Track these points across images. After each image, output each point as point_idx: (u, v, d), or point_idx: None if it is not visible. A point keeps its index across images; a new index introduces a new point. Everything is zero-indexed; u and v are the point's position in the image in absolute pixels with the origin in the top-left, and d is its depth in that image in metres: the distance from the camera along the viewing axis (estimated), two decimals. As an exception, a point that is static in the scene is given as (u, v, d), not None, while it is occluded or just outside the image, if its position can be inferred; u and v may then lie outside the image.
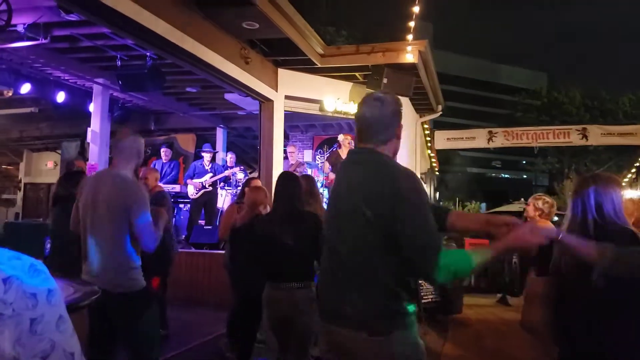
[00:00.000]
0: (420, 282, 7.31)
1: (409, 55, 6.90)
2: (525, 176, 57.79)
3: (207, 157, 9.33)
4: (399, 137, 2.03)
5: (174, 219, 8.87)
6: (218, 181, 9.39)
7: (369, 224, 1.85)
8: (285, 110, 7.68)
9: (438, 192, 12.53)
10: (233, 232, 4.62)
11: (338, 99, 7.95)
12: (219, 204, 9.43)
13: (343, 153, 8.22)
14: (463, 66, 62.32)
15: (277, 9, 5.58)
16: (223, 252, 6.63)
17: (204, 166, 9.25)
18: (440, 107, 9.95)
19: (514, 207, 21.24)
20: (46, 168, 14.31)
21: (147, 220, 2.88)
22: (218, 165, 9.69)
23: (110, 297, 2.76)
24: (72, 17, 5.49)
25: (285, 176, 3.67)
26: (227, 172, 9.42)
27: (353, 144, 8.14)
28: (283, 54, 7.05)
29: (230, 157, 9.88)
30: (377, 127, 1.99)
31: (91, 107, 8.42)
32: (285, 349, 3.45)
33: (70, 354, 0.99)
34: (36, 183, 14.47)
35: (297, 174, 8.33)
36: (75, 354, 1.00)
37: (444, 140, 11.82)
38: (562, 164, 26.15)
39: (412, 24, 6.41)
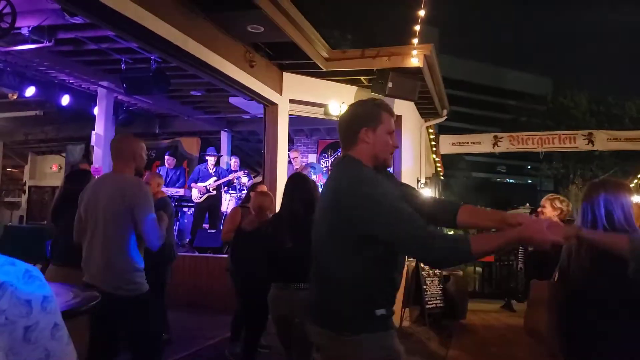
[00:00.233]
0: (424, 287, 7.29)
1: (415, 60, 6.87)
2: (530, 181, 57.67)
3: (211, 160, 9.32)
4: (366, 141, 2.03)
5: (177, 223, 8.86)
6: (222, 185, 9.38)
7: (335, 229, 1.97)
8: (289, 114, 7.66)
9: (443, 197, 12.46)
10: (238, 236, 4.60)
11: (343, 103, 7.93)
12: (223, 208, 9.41)
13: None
14: (468, 71, 62.29)
15: (282, 12, 5.57)
16: (226, 256, 6.62)
17: (208, 170, 9.24)
18: (445, 112, 9.91)
19: (519, 212, 21.20)
20: (51, 171, 14.33)
21: (151, 218, 2.87)
22: (222, 169, 9.68)
23: (114, 301, 2.74)
24: (77, 20, 5.49)
25: (295, 177, 3.64)
26: (231, 176, 9.40)
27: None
28: (288, 58, 7.03)
29: (234, 161, 9.87)
30: (342, 133, 2.12)
31: (95, 111, 8.43)
32: (290, 352, 3.44)
33: (66, 363, 0.96)
34: (41, 186, 14.49)
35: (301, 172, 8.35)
36: (71, 363, 0.97)
37: (449, 144, 11.77)
38: (568, 169, 26.06)
39: (417, 28, 6.38)
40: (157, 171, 9.23)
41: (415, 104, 8.76)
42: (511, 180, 62.94)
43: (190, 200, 9.29)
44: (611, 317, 2.17)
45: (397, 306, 6.54)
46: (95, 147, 8.44)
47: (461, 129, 33.19)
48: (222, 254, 7.39)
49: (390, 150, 2.08)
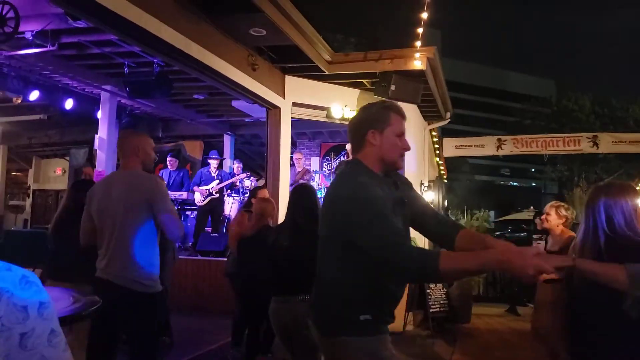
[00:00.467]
0: (428, 291, 7.26)
1: (417, 62, 6.85)
2: (534, 184, 57.45)
3: (213, 164, 9.32)
4: (373, 144, 2.02)
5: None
6: (225, 188, 9.38)
7: (328, 232, 2.03)
8: (292, 118, 7.66)
9: (446, 200, 12.45)
10: (240, 241, 4.62)
11: (345, 106, 7.91)
12: (226, 211, 9.41)
13: (350, 162, 8.17)
14: (471, 73, 62.23)
15: (285, 16, 5.57)
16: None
17: (210, 173, 9.24)
18: (448, 115, 9.88)
19: (523, 215, 21.12)
20: (55, 175, 14.38)
21: (169, 209, 2.87)
22: (225, 172, 9.68)
23: (128, 296, 2.76)
24: (80, 24, 5.51)
25: (299, 189, 3.67)
26: (233, 179, 9.40)
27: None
28: (290, 61, 7.03)
29: (237, 165, 9.87)
30: (350, 136, 2.14)
31: (99, 114, 8.45)
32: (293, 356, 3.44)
33: (62, 369, 0.95)
34: (45, 189, 14.54)
35: (305, 182, 8.34)
36: (68, 369, 0.96)
37: (453, 147, 11.74)
38: (572, 172, 25.93)
39: (420, 30, 6.37)
40: (160, 174, 9.24)
41: (418, 106, 8.73)
42: (515, 183, 62.74)
43: (193, 203, 9.29)
44: (613, 320, 2.15)
45: (401, 310, 6.52)
46: (98, 151, 8.46)
47: (464, 132, 33.14)
48: (225, 258, 7.39)
49: (400, 152, 2.05)
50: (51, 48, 6.10)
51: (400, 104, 8.41)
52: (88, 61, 7.32)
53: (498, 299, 9.67)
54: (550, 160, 23.76)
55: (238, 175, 9.53)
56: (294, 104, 7.61)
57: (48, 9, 5.39)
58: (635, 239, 2.16)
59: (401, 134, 2.06)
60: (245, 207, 5.35)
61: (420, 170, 9.66)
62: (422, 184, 9.84)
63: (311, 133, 11.74)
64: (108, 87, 8.17)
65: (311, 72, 7.26)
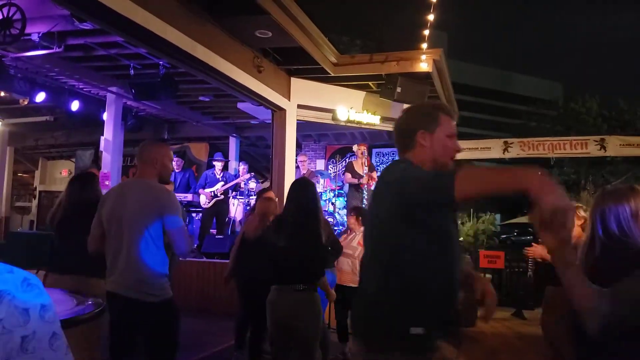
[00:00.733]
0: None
1: (423, 64, 6.84)
2: (540, 187, 57.13)
3: (218, 166, 9.32)
4: (424, 145, 1.96)
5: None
6: (230, 190, 9.37)
7: (377, 229, 1.92)
8: (297, 120, 7.65)
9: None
10: (242, 243, 4.62)
11: (351, 108, 7.91)
12: (231, 214, 9.41)
13: (357, 163, 8.16)
14: (477, 76, 62.07)
15: (290, 17, 5.57)
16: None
17: (215, 175, 9.24)
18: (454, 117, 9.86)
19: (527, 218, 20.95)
20: (61, 176, 14.44)
21: (179, 224, 2.88)
22: (229, 174, 9.68)
23: (140, 307, 2.77)
24: (86, 26, 5.53)
25: (297, 182, 3.74)
26: (237, 180, 9.40)
27: (366, 154, 8.08)
28: (296, 63, 7.03)
29: (242, 167, 9.86)
30: (398, 137, 2.07)
31: (105, 116, 8.47)
32: (285, 357, 3.42)
33: (64, 373, 0.94)
34: (51, 191, 14.59)
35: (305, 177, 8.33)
36: (69, 373, 0.95)
37: (458, 150, 11.69)
38: (579, 175, 25.78)
39: (426, 32, 6.36)
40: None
41: (424, 109, 8.72)
42: (521, 186, 62.41)
43: (198, 205, 9.29)
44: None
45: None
46: (104, 153, 8.47)
47: (471, 135, 33.06)
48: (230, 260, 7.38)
49: (451, 153, 1.99)
50: (57, 50, 6.12)
51: (405, 106, 8.42)
52: (94, 63, 7.35)
53: (504, 302, 9.59)
54: (557, 163, 23.63)
55: (243, 176, 9.52)
56: (300, 106, 7.61)
57: (54, 11, 5.40)
58: (631, 248, 2.08)
59: (451, 135, 1.99)
60: (251, 211, 5.35)
61: (425, 173, 9.63)
62: (427, 186, 9.81)
63: (317, 135, 11.73)
64: (114, 89, 8.18)
65: (317, 74, 7.25)
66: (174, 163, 9.56)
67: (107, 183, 7.72)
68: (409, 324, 1.77)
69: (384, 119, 8.32)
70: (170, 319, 3.00)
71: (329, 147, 12.03)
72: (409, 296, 1.80)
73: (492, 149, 11.37)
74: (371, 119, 8.09)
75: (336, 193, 9.50)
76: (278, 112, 7.37)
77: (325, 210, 7.42)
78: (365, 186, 7.78)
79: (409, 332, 1.76)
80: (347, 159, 11.27)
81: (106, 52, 6.62)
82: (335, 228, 7.66)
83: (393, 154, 11.31)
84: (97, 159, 10.44)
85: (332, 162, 11.89)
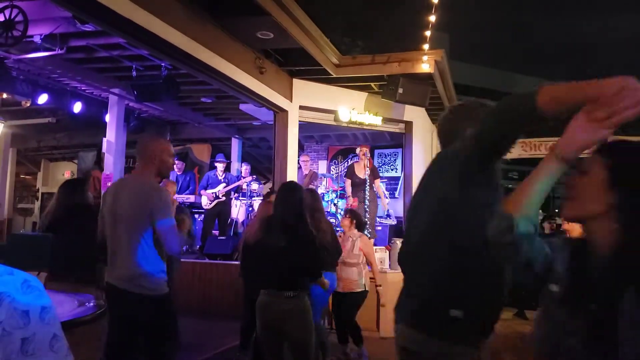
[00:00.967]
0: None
1: (425, 65, 6.82)
2: (542, 187, 57.08)
3: (220, 167, 9.33)
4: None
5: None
6: (232, 192, 9.38)
7: (429, 207, 1.88)
8: (299, 121, 7.65)
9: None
10: (244, 248, 4.63)
11: (353, 109, 7.90)
12: (233, 215, 9.41)
13: (359, 166, 8.15)
14: (479, 76, 62.01)
15: (292, 18, 5.56)
16: (236, 262, 6.60)
17: (217, 176, 9.25)
18: (456, 118, 9.84)
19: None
20: (63, 178, 14.42)
21: (169, 223, 2.86)
22: (231, 176, 9.68)
23: (136, 300, 2.79)
24: (88, 28, 5.53)
25: (284, 186, 3.70)
26: (239, 182, 9.40)
27: (368, 155, 8.07)
28: (298, 64, 7.02)
29: (245, 168, 9.87)
30: (444, 133, 2.15)
31: (107, 118, 8.47)
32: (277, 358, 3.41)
33: (64, 375, 0.94)
34: (53, 192, 14.55)
35: (312, 186, 8.33)
36: (70, 374, 0.95)
37: (460, 151, 11.68)
38: (581, 175, 25.79)
39: (428, 33, 6.34)
40: (167, 177, 9.25)
41: (426, 109, 8.71)
42: (523, 187, 62.40)
43: (200, 207, 9.30)
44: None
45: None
46: (106, 154, 8.48)
47: (472, 135, 32.97)
48: (232, 261, 7.38)
49: None
50: (59, 51, 6.13)
51: (408, 106, 8.41)
52: (96, 64, 7.35)
53: (506, 302, 9.58)
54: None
55: (245, 178, 9.53)
56: (302, 107, 7.61)
57: (56, 12, 5.41)
58: None
59: None
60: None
61: (427, 174, 9.61)
62: (429, 187, 9.79)
63: (319, 136, 11.74)
64: (116, 91, 8.19)
65: (318, 75, 7.25)
66: (175, 165, 9.62)
67: (109, 185, 7.72)
68: (476, 313, 1.77)
69: (385, 120, 8.32)
70: (165, 315, 3.00)
71: (331, 148, 12.03)
72: (476, 281, 1.75)
73: (493, 149, 11.32)
74: (373, 120, 8.09)
75: (338, 194, 9.50)
76: (280, 113, 7.37)
77: (327, 212, 7.41)
78: (367, 187, 7.77)
79: (476, 321, 1.76)
80: (349, 160, 11.27)
81: (108, 53, 6.63)
82: (337, 229, 7.65)
83: (395, 154, 11.31)
84: (99, 161, 10.45)
85: (334, 163, 11.90)
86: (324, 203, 7.09)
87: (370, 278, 5.55)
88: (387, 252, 6.99)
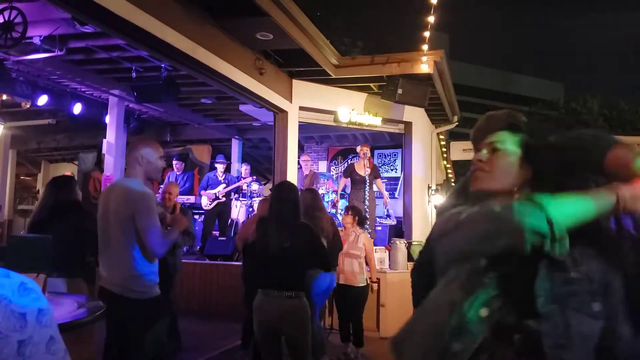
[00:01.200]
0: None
1: (424, 66, 6.83)
2: (543, 187, 56.94)
3: (220, 168, 9.33)
4: None
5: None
6: (232, 192, 9.38)
7: None
8: (299, 121, 7.65)
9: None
10: (245, 247, 4.63)
11: (353, 109, 7.91)
12: (233, 215, 9.42)
13: (359, 165, 8.16)
14: (479, 76, 61.95)
15: (291, 20, 5.56)
16: (237, 263, 6.60)
17: (217, 177, 9.25)
18: (456, 118, 9.85)
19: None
20: (63, 179, 14.43)
21: (152, 226, 2.85)
22: (231, 176, 9.68)
23: (126, 303, 2.80)
24: (87, 29, 5.52)
25: (279, 186, 3.68)
26: (239, 183, 9.41)
27: (368, 154, 8.07)
28: (297, 65, 7.03)
29: (245, 169, 9.87)
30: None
31: (107, 119, 8.48)
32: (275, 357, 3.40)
33: (61, 377, 0.94)
34: (53, 193, 14.58)
35: (314, 186, 8.33)
36: (67, 377, 0.95)
37: (460, 151, 11.68)
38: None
39: (427, 34, 6.35)
40: (166, 177, 9.26)
41: (426, 110, 8.71)
42: (524, 187, 62.22)
43: (200, 207, 9.30)
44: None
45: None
46: (106, 155, 8.48)
47: (472, 135, 32.86)
48: (232, 262, 7.39)
49: None
50: (59, 53, 6.13)
51: (407, 107, 8.43)
52: (96, 66, 7.36)
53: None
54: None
55: (245, 178, 9.53)
56: (301, 108, 7.61)
57: (55, 14, 5.41)
58: None
59: None
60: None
61: (427, 174, 9.62)
62: (429, 187, 9.80)
63: (318, 137, 11.74)
64: (116, 92, 8.20)
65: (318, 75, 7.25)
66: (174, 165, 9.62)
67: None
68: None
69: (385, 121, 8.32)
70: (156, 317, 3.01)
71: (331, 149, 12.04)
72: None
73: (494, 149, 11.33)
74: (372, 121, 8.09)
75: (338, 194, 9.50)
76: (280, 114, 7.37)
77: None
78: (367, 186, 7.78)
79: None
80: (349, 161, 11.27)
81: (108, 54, 6.64)
82: (340, 228, 7.66)
83: (394, 155, 11.31)
84: (99, 162, 10.44)
85: (335, 163, 11.90)
86: (324, 203, 7.09)
87: (369, 278, 5.56)
88: (387, 252, 6.99)
